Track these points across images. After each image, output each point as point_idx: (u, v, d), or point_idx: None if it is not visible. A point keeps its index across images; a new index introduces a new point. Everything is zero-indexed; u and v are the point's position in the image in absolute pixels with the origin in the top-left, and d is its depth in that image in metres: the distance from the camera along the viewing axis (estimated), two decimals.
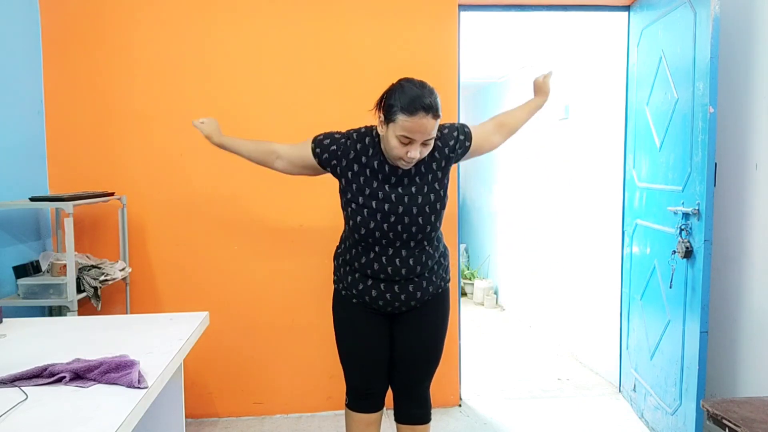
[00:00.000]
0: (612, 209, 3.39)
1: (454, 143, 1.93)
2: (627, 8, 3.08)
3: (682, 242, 2.44)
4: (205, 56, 2.88)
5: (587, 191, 3.80)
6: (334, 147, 1.91)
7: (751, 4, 2.46)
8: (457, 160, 1.98)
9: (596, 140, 3.68)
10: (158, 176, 2.90)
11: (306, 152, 1.95)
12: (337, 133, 1.94)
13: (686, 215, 2.45)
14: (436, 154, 1.90)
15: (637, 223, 2.98)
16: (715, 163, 2.36)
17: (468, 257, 6.48)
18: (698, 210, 2.36)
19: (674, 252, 2.49)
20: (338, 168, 1.91)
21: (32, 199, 2.39)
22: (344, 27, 2.91)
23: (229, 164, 2.91)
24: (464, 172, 6.46)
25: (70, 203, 2.30)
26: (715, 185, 2.39)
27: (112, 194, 2.75)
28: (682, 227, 2.46)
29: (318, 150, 1.93)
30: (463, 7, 2.99)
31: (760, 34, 2.41)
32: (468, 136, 1.97)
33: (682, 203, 2.48)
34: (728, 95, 2.56)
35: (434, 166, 1.89)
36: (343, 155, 1.89)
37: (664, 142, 2.67)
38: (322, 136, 1.94)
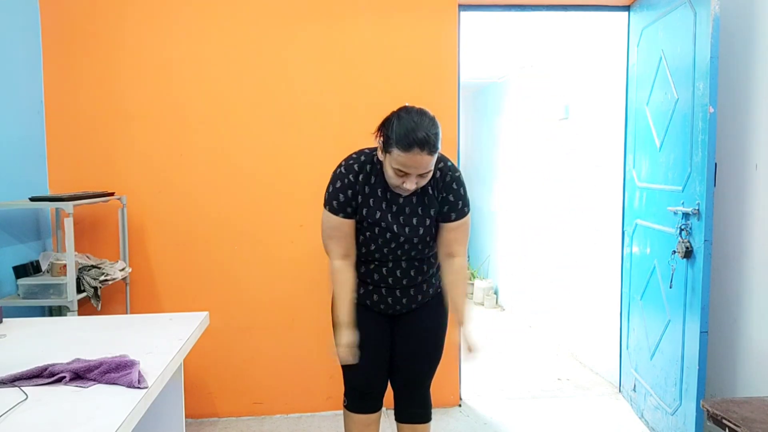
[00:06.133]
0: (612, 209, 3.39)
1: (443, 199, 1.87)
2: (627, 8, 3.08)
3: (682, 242, 2.44)
4: (205, 56, 2.88)
5: (587, 191, 3.80)
6: (343, 194, 1.84)
7: (751, 4, 2.45)
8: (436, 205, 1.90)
9: (596, 140, 3.67)
10: (158, 176, 2.90)
11: (336, 222, 1.86)
12: (335, 179, 1.87)
13: (686, 215, 2.45)
14: (435, 192, 1.87)
15: (637, 223, 2.98)
16: (715, 163, 2.35)
17: (468, 257, 6.48)
18: (698, 210, 2.36)
19: (674, 252, 2.49)
20: (358, 204, 1.86)
21: (32, 199, 2.39)
22: (344, 27, 2.91)
23: (228, 165, 2.91)
24: (464, 173, 6.44)
25: (70, 203, 2.30)
26: (715, 185, 2.39)
27: (112, 194, 2.75)
28: (682, 227, 2.46)
29: (341, 212, 1.85)
30: (463, 7, 2.99)
31: (760, 34, 2.41)
32: (459, 212, 1.89)
33: (682, 203, 2.48)
34: (728, 95, 2.56)
35: (435, 202, 1.88)
36: (353, 191, 1.85)
37: (664, 142, 2.67)
38: (329, 199, 1.86)
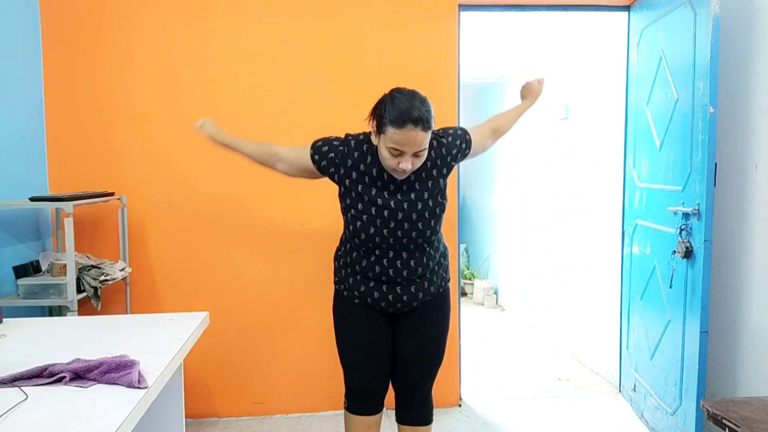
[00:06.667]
0: (612, 209, 3.39)
1: (457, 151, 1.95)
2: (627, 8, 3.08)
3: (682, 242, 2.44)
4: (205, 56, 2.88)
5: (587, 191, 3.80)
6: (332, 155, 1.90)
7: (751, 4, 2.45)
8: (455, 164, 2.01)
9: (596, 140, 3.67)
10: (158, 176, 2.90)
11: (305, 157, 1.94)
12: (336, 139, 1.93)
13: (686, 215, 2.45)
14: (438, 161, 1.90)
15: (637, 223, 2.98)
16: (715, 163, 2.35)
17: (468, 257, 6.48)
18: (698, 210, 2.36)
19: (674, 252, 2.49)
20: (336, 175, 1.91)
21: (32, 199, 2.39)
22: (344, 27, 2.91)
23: (228, 164, 2.91)
24: (464, 172, 6.45)
25: (70, 203, 2.30)
26: (715, 185, 2.39)
27: (112, 194, 2.75)
28: (682, 227, 2.46)
29: (316, 157, 1.92)
30: (463, 7, 2.99)
31: (760, 34, 2.41)
32: (469, 143, 2.00)
33: (682, 203, 2.48)
34: (728, 95, 2.56)
35: (434, 173, 1.89)
36: (341, 163, 1.88)
37: (664, 142, 2.67)
38: (320, 143, 1.93)
